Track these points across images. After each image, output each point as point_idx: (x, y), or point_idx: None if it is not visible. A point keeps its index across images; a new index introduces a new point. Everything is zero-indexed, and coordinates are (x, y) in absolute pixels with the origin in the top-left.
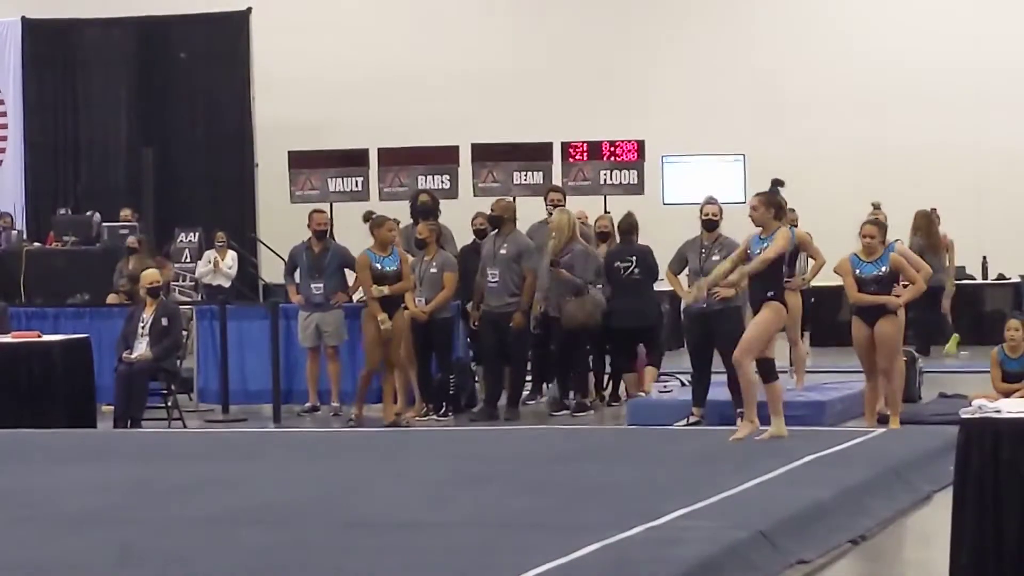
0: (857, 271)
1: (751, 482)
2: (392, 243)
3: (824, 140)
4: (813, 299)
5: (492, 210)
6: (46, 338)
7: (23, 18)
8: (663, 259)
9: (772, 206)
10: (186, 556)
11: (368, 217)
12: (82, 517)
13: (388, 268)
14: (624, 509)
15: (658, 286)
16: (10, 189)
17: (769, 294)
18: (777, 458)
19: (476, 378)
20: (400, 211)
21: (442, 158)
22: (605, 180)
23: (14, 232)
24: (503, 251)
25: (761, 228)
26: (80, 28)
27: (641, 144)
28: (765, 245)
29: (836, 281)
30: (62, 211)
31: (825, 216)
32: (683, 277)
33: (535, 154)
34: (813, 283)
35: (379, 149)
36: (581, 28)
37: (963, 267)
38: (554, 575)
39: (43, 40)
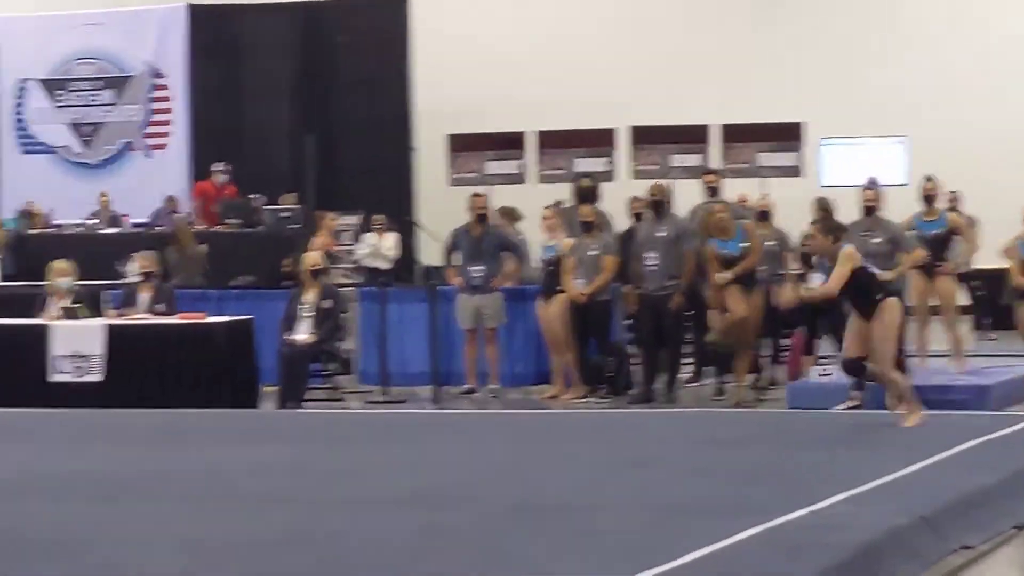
0: None
1: (913, 467)
2: None
3: (988, 122)
4: (977, 282)
5: (651, 193)
6: (211, 319)
7: (188, 4)
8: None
9: (830, 232)
10: (348, 537)
11: (823, 207)
12: (245, 498)
13: None
14: (784, 493)
15: None
16: (175, 173)
17: (878, 296)
18: (940, 443)
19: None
20: (558, 194)
21: (600, 141)
22: (763, 162)
23: (177, 216)
24: (661, 233)
25: (825, 256)
26: (243, 14)
27: (800, 126)
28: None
29: (1000, 264)
30: (218, 165)
31: (987, 200)
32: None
33: (693, 136)
34: (977, 266)
35: (538, 132)
36: (741, 9)
37: None
38: (714, 558)
39: (207, 26)
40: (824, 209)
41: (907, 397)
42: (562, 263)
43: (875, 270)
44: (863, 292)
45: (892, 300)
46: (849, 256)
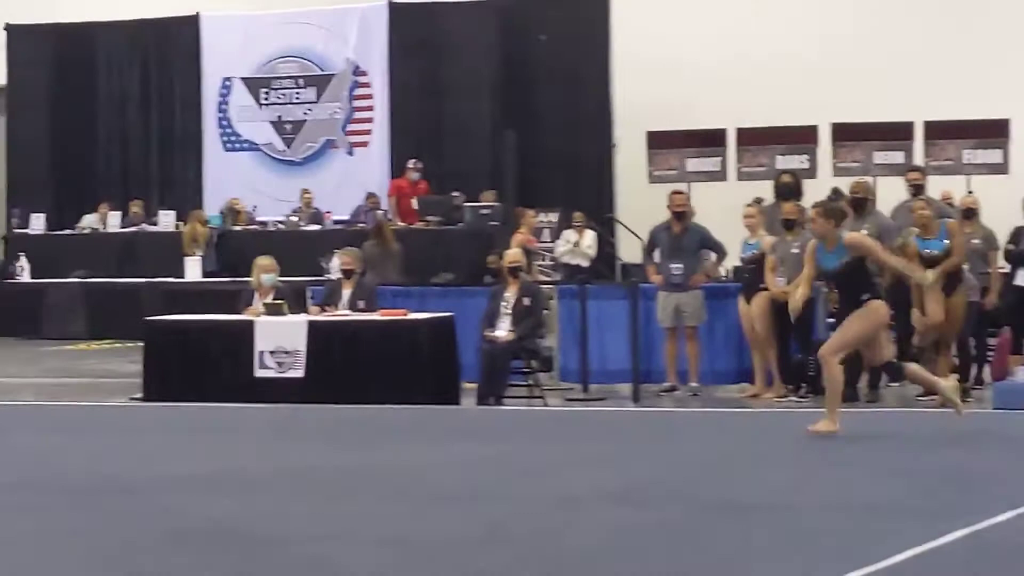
0: None
1: None
2: None
3: None
4: None
5: (853, 190)
6: (412, 316)
7: (390, 2)
8: None
9: (832, 216)
10: (551, 535)
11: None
12: (449, 494)
13: None
14: (991, 495)
15: None
16: (376, 170)
17: (864, 297)
18: None
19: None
20: (759, 191)
21: (801, 138)
22: (968, 159)
23: (379, 212)
24: (863, 231)
25: (824, 239)
26: (444, 11)
27: (1006, 123)
28: (835, 259)
29: None
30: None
31: None
32: None
33: (896, 134)
34: None
35: (738, 129)
36: (944, 4)
37: None
38: (919, 561)
39: (408, 23)
40: (835, 193)
41: (831, 401)
42: (764, 261)
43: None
44: (854, 287)
45: (878, 303)
46: (869, 244)
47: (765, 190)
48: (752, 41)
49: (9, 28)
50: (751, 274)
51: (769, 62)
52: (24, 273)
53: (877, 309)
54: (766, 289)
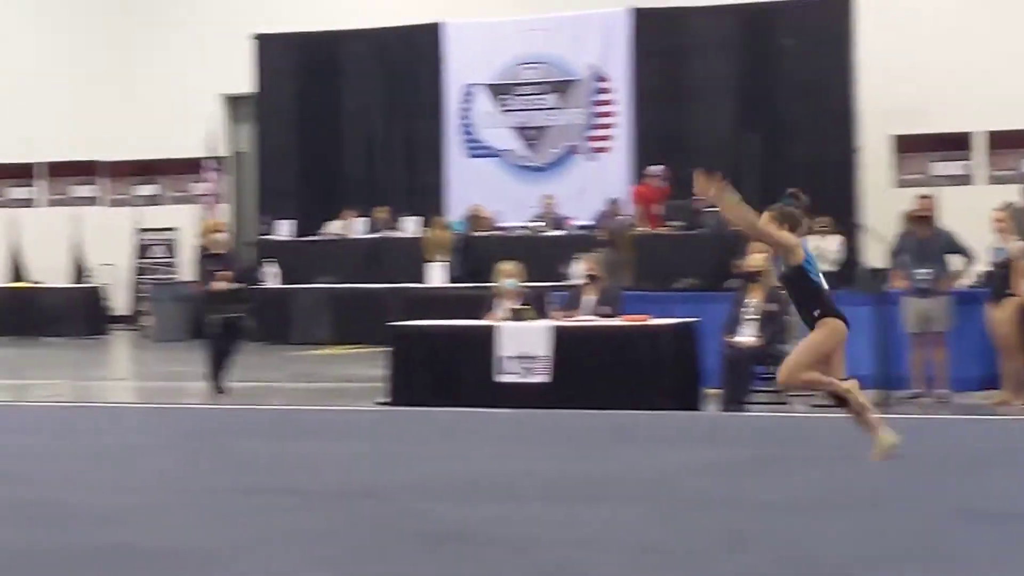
0: None
1: None
2: None
3: None
4: None
5: None
6: (655, 322)
7: (632, 8)
8: None
9: (785, 221)
10: (796, 541)
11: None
12: (692, 500)
13: None
14: None
15: None
16: (618, 175)
17: (815, 312)
18: None
19: None
20: (1008, 195)
21: None
22: None
23: (620, 218)
24: None
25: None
26: (686, 16)
27: None
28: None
29: None
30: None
31: None
32: None
33: None
34: None
35: (987, 132)
36: None
37: None
38: None
39: (650, 29)
40: (791, 196)
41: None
42: (1012, 266)
43: (821, 282)
44: (803, 299)
45: (832, 320)
46: (793, 243)
47: (1014, 194)
48: (999, 41)
49: (259, 38)
50: (1000, 279)
51: (1019, 62)
52: (272, 279)
53: (834, 327)
54: (1015, 295)
